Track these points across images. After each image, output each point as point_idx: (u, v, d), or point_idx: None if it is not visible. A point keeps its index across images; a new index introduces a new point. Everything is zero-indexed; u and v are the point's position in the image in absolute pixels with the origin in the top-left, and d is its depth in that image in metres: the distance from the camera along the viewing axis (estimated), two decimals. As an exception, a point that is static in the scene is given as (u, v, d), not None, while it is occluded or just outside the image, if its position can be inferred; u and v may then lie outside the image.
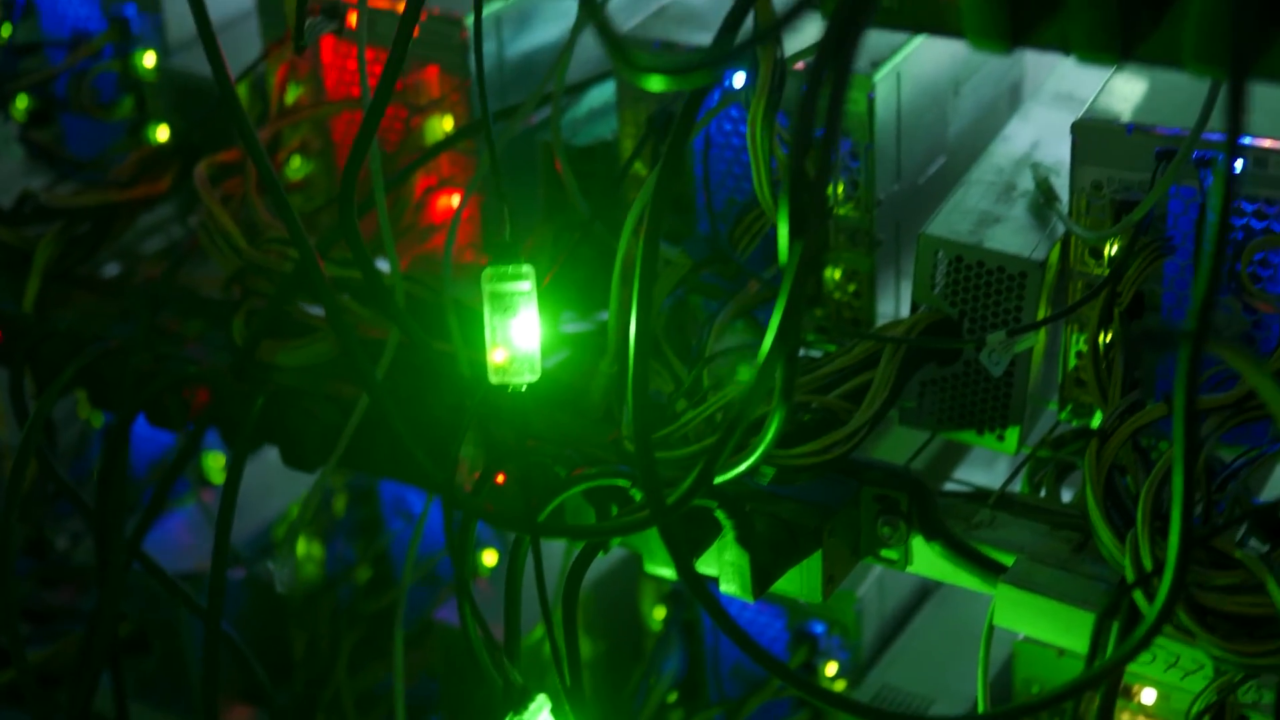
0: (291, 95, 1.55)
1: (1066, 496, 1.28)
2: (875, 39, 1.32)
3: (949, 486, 1.33)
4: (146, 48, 1.66)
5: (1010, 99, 1.53)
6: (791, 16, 0.81)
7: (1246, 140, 1.15)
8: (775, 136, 1.11)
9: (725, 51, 0.83)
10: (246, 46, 1.62)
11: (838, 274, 1.36)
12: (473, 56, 1.28)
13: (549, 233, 1.43)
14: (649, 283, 1.03)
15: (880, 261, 1.35)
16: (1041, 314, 1.22)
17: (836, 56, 0.85)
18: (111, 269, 1.69)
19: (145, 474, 1.96)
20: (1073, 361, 1.27)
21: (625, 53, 0.85)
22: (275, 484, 1.83)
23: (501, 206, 1.18)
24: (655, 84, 0.87)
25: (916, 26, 0.98)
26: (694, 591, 1.08)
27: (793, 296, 0.93)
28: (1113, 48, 0.89)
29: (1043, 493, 1.28)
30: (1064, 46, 0.90)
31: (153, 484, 1.88)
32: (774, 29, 0.85)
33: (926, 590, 1.68)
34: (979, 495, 1.25)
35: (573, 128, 1.47)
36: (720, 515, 1.17)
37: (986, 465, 1.63)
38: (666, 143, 1.05)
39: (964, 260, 1.23)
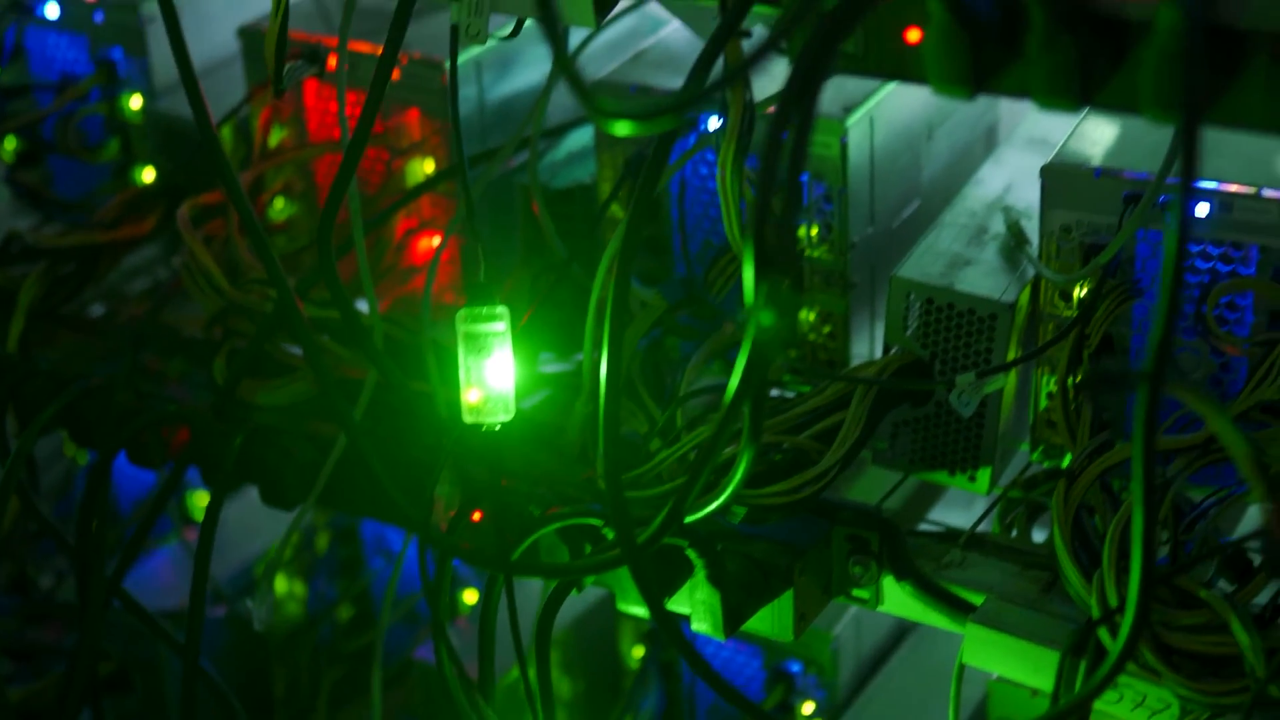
0: (275, 138, 1.56)
1: (1040, 537, 1.29)
2: (849, 84, 1.34)
3: (923, 527, 1.35)
4: (133, 91, 1.67)
5: (985, 143, 1.55)
6: (753, 61, 0.83)
7: (1213, 184, 1.17)
8: (745, 180, 1.13)
9: (688, 97, 0.85)
10: (232, 89, 1.63)
11: (813, 315, 1.37)
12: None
13: (527, 274, 1.45)
14: (619, 324, 1.05)
15: (855, 303, 1.37)
16: (1011, 355, 1.24)
17: (800, 101, 0.87)
18: (97, 309, 1.70)
19: (130, 512, 1.97)
20: (1043, 403, 1.28)
21: (591, 99, 0.86)
22: (259, 522, 1.84)
23: (477, 248, 1.20)
24: (621, 129, 0.88)
25: (882, 73, 1.00)
26: (664, 629, 1.09)
27: (758, 338, 0.94)
28: (1071, 94, 0.90)
29: (1014, 533, 1.29)
30: (1024, 92, 0.92)
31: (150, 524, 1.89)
32: (732, 75, 0.87)
33: (904, 630, 1.69)
34: (950, 535, 1.27)
35: (552, 171, 1.49)
36: (692, 554, 1.18)
37: (965, 505, 1.64)
38: (636, 186, 1.06)
39: (935, 302, 1.25)
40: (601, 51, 1.57)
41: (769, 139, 0.86)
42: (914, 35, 0.96)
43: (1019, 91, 0.92)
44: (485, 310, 1.18)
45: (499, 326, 1.18)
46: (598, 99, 0.85)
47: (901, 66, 0.98)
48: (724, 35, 1.01)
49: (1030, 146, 1.43)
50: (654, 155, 1.04)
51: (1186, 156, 0.80)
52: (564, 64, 0.87)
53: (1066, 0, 0.87)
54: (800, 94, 0.87)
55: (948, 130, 1.47)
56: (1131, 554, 0.93)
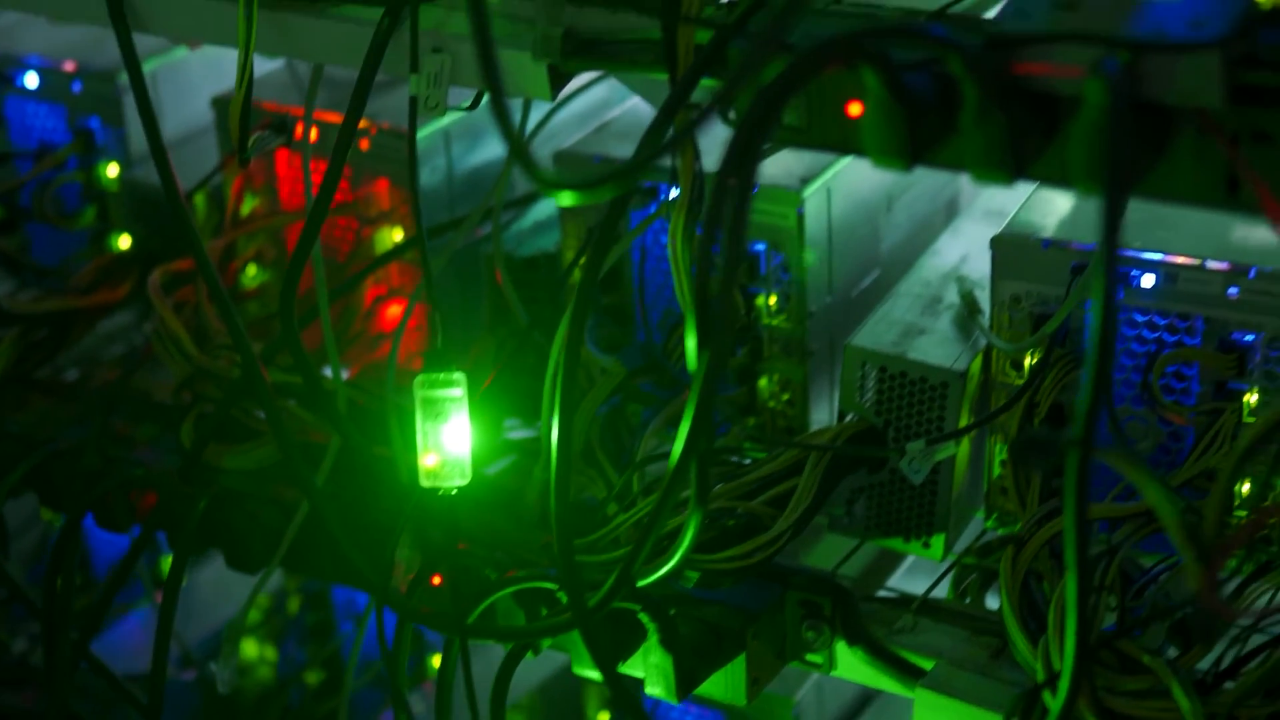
0: (248, 205, 1.59)
1: (994, 603, 1.31)
2: (807, 157, 1.36)
3: (882, 593, 1.36)
4: (110, 159, 1.70)
5: (946, 215, 1.57)
6: (687, 133, 0.85)
7: (1158, 256, 1.19)
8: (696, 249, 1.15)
9: (626, 168, 0.87)
10: (208, 157, 1.66)
11: (773, 383, 1.39)
12: (421, 169, 1.33)
13: (492, 342, 1.47)
14: (569, 390, 1.07)
15: (814, 371, 1.39)
16: (963, 424, 1.26)
17: (739, 170, 0.89)
18: (72, 373, 1.72)
19: (105, 576, 1.98)
20: (997, 470, 1.30)
21: (535, 170, 0.88)
22: (232, 586, 1.85)
23: (435, 316, 1.22)
24: (565, 199, 0.90)
25: (825, 146, 1.02)
26: (616, 693, 1.11)
27: (702, 403, 0.97)
28: (1005, 167, 0.92)
29: (968, 599, 1.30)
30: (960, 166, 0.94)
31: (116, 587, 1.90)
32: (664, 146, 0.89)
33: (868, 697, 1.70)
34: (903, 601, 1.28)
35: (518, 239, 1.52)
36: (644, 618, 1.19)
37: (929, 572, 1.65)
38: (585, 255, 1.09)
39: (888, 370, 1.26)
40: (572, 122, 1.60)
41: (708, 211, 0.88)
42: (855, 109, 0.99)
43: (955, 165, 0.94)
44: (443, 376, 1.20)
45: (456, 392, 1.19)
46: (539, 170, 0.87)
47: (844, 139, 1.00)
48: (672, 107, 1.03)
49: (987, 218, 1.46)
50: (603, 224, 1.06)
51: (1109, 228, 0.83)
52: (510, 136, 0.89)
53: (998, 77, 0.89)
54: (738, 164, 0.89)
55: (908, 202, 1.49)
56: (1066, 618, 0.94)
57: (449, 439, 1.20)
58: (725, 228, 0.87)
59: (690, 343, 0.94)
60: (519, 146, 0.89)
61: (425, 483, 1.21)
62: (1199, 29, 0.86)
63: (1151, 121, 0.89)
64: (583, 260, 1.40)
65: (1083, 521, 0.89)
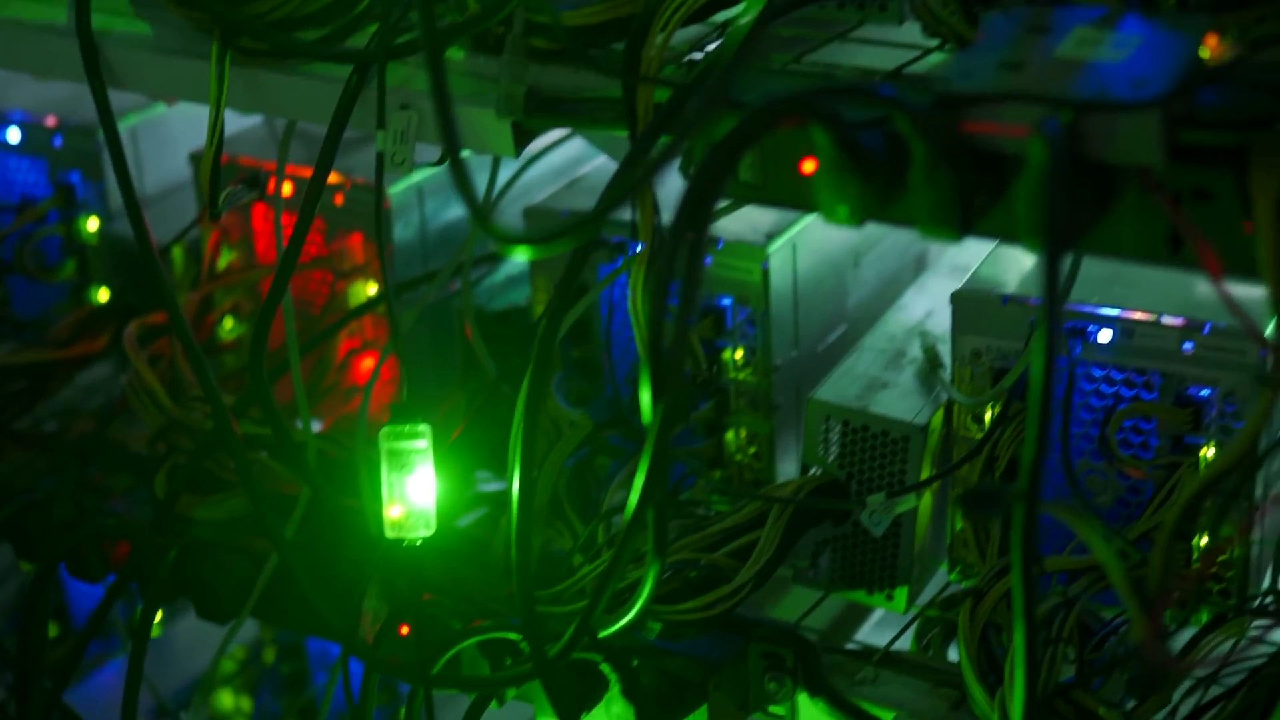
0: (225, 259, 1.61)
1: (956, 655, 1.32)
2: (774, 213, 1.38)
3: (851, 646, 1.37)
4: (90, 213, 1.72)
5: (915, 270, 1.59)
6: (637, 185, 0.87)
7: (1115, 312, 1.21)
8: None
9: (578, 222, 0.89)
10: (188, 212, 1.68)
11: (740, 436, 1.41)
12: (395, 223, 1.35)
13: (463, 395, 1.48)
14: (529, 442, 1.08)
15: (780, 425, 1.40)
16: (925, 477, 1.27)
17: (693, 223, 0.91)
18: (51, 425, 1.73)
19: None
20: (959, 523, 1.31)
21: (489, 225, 0.90)
22: (208, 636, 1.86)
23: (403, 369, 1.23)
24: (520, 253, 0.92)
25: (780, 202, 1.04)
26: (576, 743, 1.12)
27: (656, 454, 0.98)
28: (953, 223, 0.94)
29: (930, 651, 1.31)
30: (910, 222, 0.96)
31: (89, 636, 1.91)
32: (613, 202, 0.90)
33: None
34: (865, 653, 1.29)
35: (490, 294, 1.53)
36: (606, 669, 1.20)
37: (897, 625, 1.66)
38: (545, 311, 1.10)
39: (851, 424, 1.28)
40: (547, 177, 1.62)
41: (659, 264, 0.90)
42: (809, 166, 1.00)
43: (905, 221, 0.96)
44: (408, 428, 1.21)
45: (421, 444, 1.21)
46: (493, 226, 0.89)
47: (798, 196, 1.02)
48: (632, 163, 1.05)
49: (953, 273, 1.47)
50: (563, 278, 1.08)
51: (1050, 282, 0.84)
52: (465, 192, 0.91)
53: (946, 136, 0.91)
54: (691, 218, 0.91)
55: (875, 258, 1.51)
56: (1015, 669, 0.96)
57: (414, 490, 1.21)
58: (683, 280, 0.89)
59: (645, 395, 0.95)
60: (472, 202, 0.91)
61: (390, 534, 1.22)
62: (1140, 89, 0.87)
63: (1095, 180, 0.91)
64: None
65: (1030, 573, 0.90)
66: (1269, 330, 1.07)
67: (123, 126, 1.70)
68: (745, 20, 1.02)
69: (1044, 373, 0.86)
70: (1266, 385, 0.88)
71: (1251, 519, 1.17)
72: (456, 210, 1.59)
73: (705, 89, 1.03)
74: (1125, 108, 0.87)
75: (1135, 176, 0.91)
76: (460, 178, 0.90)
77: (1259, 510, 1.14)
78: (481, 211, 0.90)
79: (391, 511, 1.22)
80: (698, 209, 0.91)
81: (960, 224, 0.94)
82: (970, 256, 1.50)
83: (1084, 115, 0.88)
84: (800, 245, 1.38)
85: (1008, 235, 0.94)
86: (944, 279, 1.47)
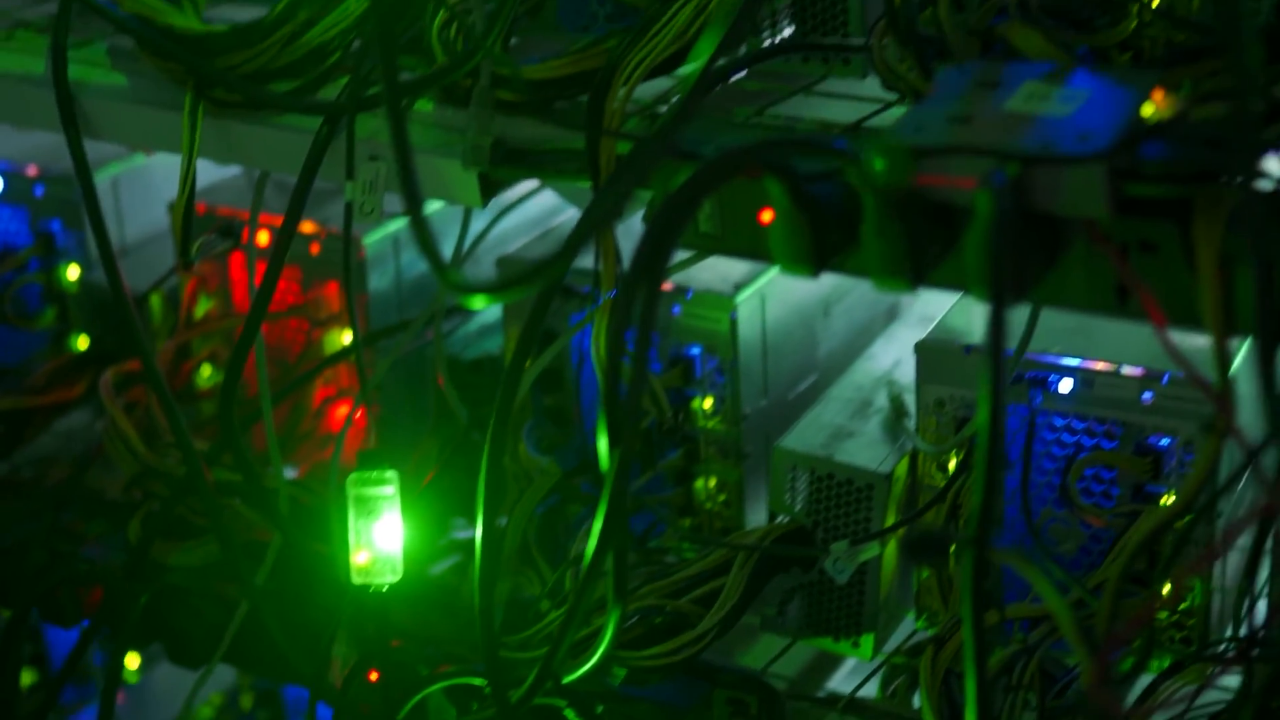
0: (202, 308, 1.62)
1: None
2: (745, 263, 1.39)
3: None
4: (70, 261, 1.73)
5: (887, 320, 1.60)
6: (587, 235, 0.88)
7: (1075, 362, 1.22)
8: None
9: (534, 270, 0.90)
10: (168, 260, 1.69)
11: (710, 484, 1.42)
12: (371, 273, 1.36)
13: (435, 442, 1.49)
14: (493, 489, 1.10)
15: (749, 473, 1.41)
16: (889, 524, 1.28)
17: (648, 272, 0.92)
18: (29, 471, 1.74)
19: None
20: (925, 571, 1.32)
21: (446, 274, 0.91)
22: (187, 682, 1.86)
23: (371, 416, 1.25)
24: (477, 302, 0.93)
25: (738, 252, 1.06)
26: (539, 787, 1.13)
27: (614, 501, 0.99)
28: (905, 274, 0.95)
29: (896, 699, 1.32)
30: (863, 273, 0.97)
31: (68, 682, 1.92)
32: (571, 249, 0.91)
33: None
34: (831, 700, 1.30)
35: (464, 342, 1.55)
36: (570, 714, 1.21)
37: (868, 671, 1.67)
38: (509, 360, 1.12)
39: (817, 472, 1.29)
40: (523, 227, 1.63)
41: (615, 311, 0.91)
42: (768, 216, 1.02)
43: (859, 272, 0.97)
44: (375, 474, 1.22)
45: (388, 490, 1.22)
46: (450, 274, 0.90)
47: (755, 246, 1.04)
48: (593, 214, 1.07)
49: (922, 324, 1.48)
50: (526, 326, 1.09)
51: (994, 332, 0.86)
52: (424, 242, 0.92)
53: (896, 190, 0.93)
54: (647, 267, 0.92)
55: (845, 308, 1.52)
56: (967, 717, 0.96)
57: (380, 536, 1.22)
58: (638, 326, 0.90)
59: (602, 441, 0.97)
60: (431, 252, 0.92)
61: (357, 579, 1.23)
62: (1086, 142, 0.89)
63: (1043, 231, 0.92)
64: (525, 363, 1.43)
65: (979, 619, 0.91)
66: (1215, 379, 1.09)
67: (104, 176, 1.73)
68: (691, 69, 1.03)
69: (991, 420, 0.87)
70: (1211, 433, 0.89)
71: (1205, 561, 1.18)
72: (431, 260, 1.60)
73: (654, 136, 1.05)
74: (1070, 161, 0.88)
75: (1082, 228, 0.93)
76: (420, 229, 0.92)
77: (1209, 551, 1.15)
78: (439, 261, 0.91)
79: (358, 557, 1.23)
80: (654, 257, 0.92)
81: (913, 275, 0.95)
82: (940, 307, 1.52)
83: (1030, 168, 0.89)
84: (769, 295, 1.39)
85: (960, 286, 0.96)
86: (913, 329, 1.49)
